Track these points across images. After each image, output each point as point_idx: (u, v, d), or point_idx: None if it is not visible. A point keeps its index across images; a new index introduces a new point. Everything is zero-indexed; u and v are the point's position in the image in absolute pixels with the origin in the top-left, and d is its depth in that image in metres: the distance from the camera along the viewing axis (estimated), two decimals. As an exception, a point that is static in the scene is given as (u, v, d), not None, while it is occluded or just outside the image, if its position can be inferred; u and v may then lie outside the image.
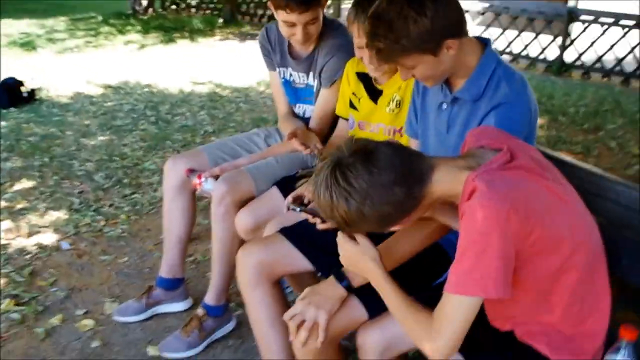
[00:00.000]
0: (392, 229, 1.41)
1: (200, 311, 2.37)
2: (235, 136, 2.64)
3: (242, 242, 2.27)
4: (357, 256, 1.43)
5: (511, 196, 1.18)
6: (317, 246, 1.86)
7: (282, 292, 1.97)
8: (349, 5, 2.09)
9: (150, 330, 2.46)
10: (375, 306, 1.60)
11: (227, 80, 6.78)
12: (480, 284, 1.18)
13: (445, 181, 1.28)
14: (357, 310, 1.60)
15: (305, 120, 2.47)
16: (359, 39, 1.96)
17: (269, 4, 2.19)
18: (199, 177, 2.31)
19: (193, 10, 11.78)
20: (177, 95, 6.13)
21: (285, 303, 1.94)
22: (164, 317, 2.53)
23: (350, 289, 1.58)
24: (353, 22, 1.96)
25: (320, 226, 1.85)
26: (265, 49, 2.47)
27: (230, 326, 2.44)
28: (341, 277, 1.58)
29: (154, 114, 5.41)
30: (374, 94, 2.15)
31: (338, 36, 2.29)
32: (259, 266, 1.85)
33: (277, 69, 2.46)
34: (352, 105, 2.23)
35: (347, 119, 2.28)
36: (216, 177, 2.29)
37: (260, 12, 11.23)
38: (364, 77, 2.18)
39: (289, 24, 2.15)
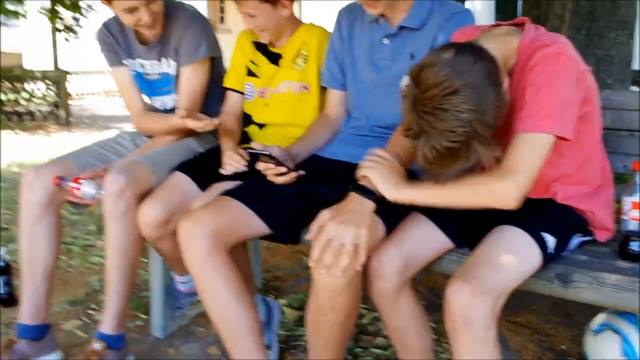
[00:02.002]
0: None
1: (97, 345, 1.88)
2: (98, 141, 2.26)
3: (142, 246, 1.95)
4: (391, 172, 1.42)
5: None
6: (270, 205, 1.69)
7: (244, 257, 1.73)
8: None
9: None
10: (391, 220, 1.53)
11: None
12: (556, 121, 1.26)
13: (497, 49, 1.36)
14: (378, 226, 1.49)
15: (167, 113, 2.23)
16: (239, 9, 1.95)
17: (103, 1, 1.99)
18: (76, 180, 1.91)
19: None
20: None
21: (246, 270, 1.74)
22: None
23: (376, 201, 1.45)
24: None
25: (279, 179, 1.70)
26: (107, 44, 2.20)
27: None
28: (367, 190, 1.45)
29: None
30: (273, 57, 2.09)
31: (185, 11, 2.14)
32: (214, 234, 1.60)
33: (126, 62, 2.21)
34: (251, 74, 2.12)
35: (240, 92, 2.15)
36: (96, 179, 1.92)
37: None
38: (260, 46, 2.12)
39: (131, 10, 1.96)
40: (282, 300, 2.47)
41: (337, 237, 1.37)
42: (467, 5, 11.00)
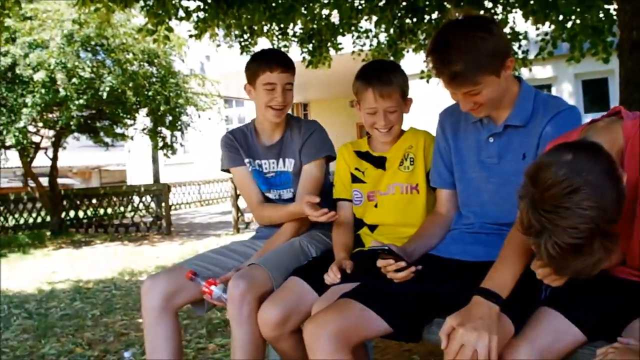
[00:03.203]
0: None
1: None
2: (212, 249, 2.54)
3: (265, 346, 2.12)
4: None
5: None
6: (390, 304, 1.72)
7: (364, 355, 1.83)
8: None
9: None
10: (519, 317, 1.55)
11: (86, 276, 6.36)
12: None
13: (605, 141, 1.39)
14: (506, 325, 1.50)
15: (282, 203, 2.50)
16: (374, 103, 2.10)
17: (247, 87, 2.43)
18: (210, 283, 2.14)
19: (11, 231, 10.99)
20: (38, 294, 5.57)
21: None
22: None
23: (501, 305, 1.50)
24: (366, 88, 2.10)
25: (398, 275, 1.76)
26: (232, 147, 2.53)
27: None
28: (492, 294, 1.50)
29: (21, 311, 4.83)
30: (378, 162, 2.25)
31: (308, 120, 2.52)
32: (337, 335, 1.63)
33: (247, 161, 2.52)
34: (357, 180, 2.28)
35: (349, 200, 2.31)
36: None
37: (86, 221, 10.97)
38: (363, 154, 2.30)
39: (271, 87, 2.34)
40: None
41: (470, 344, 1.39)
42: (553, 91, 10.94)
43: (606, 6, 5.59)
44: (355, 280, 1.91)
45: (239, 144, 2.53)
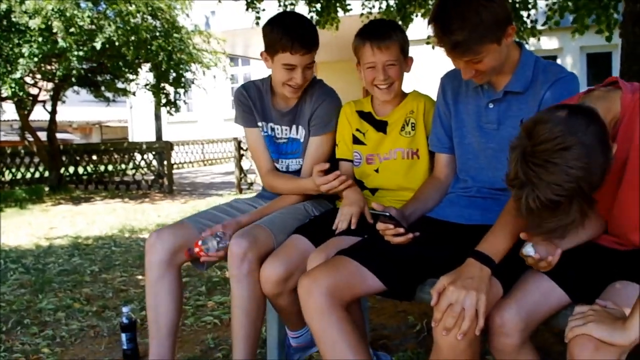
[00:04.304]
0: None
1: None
2: (215, 206, 2.43)
3: (264, 304, 2.07)
4: (606, 319, 1.34)
5: None
6: (385, 264, 1.75)
7: (359, 313, 1.81)
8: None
9: None
10: (508, 280, 1.57)
11: (85, 232, 6.25)
12: None
13: (602, 109, 1.40)
14: (495, 287, 1.54)
15: (291, 174, 2.39)
16: (373, 57, 2.05)
17: (263, 54, 2.21)
18: (196, 244, 2.08)
19: (7, 186, 10.82)
20: (35, 249, 5.45)
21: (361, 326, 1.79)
22: None
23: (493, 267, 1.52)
24: (364, 43, 2.05)
25: (396, 239, 1.77)
26: (245, 105, 2.37)
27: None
28: (485, 257, 1.52)
29: (18, 265, 4.72)
30: (379, 125, 2.20)
31: (322, 86, 2.33)
32: (330, 291, 1.68)
33: (260, 124, 2.38)
34: (357, 142, 2.24)
35: (351, 160, 2.26)
36: (217, 236, 2.08)
37: (85, 177, 10.85)
38: (365, 115, 2.24)
39: (290, 68, 2.14)
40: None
41: (458, 301, 1.44)
42: (558, 62, 10.97)
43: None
44: (355, 235, 1.95)
45: (253, 103, 2.37)
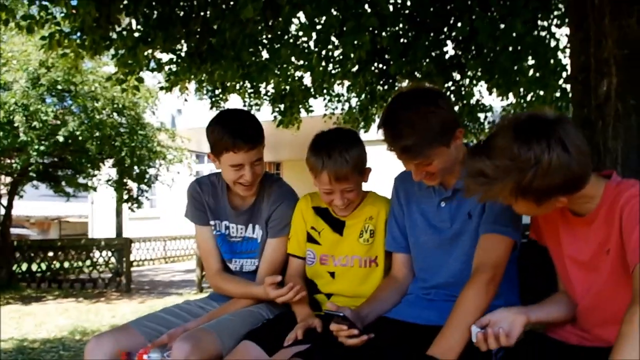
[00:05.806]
0: (544, 207, 1.48)
1: None
2: (163, 308, 2.28)
3: None
4: None
5: None
6: None
7: None
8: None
9: None
10: None
11: (32, 335, 5.90)
12: None
13: (589, 185, 1.48)
14: None
15: (243, 276, 2.29)
16: (329, 185, 1.97)
17: (210, 156, 2.16)
18: (142, 354, 1.93)
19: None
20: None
21: None
22: None
23: None
24: (322, 170, 1.95)
25: (350, 341, 1.70)
26: (198, 202, 2.30)
27: None
28: None
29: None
30: (336, 225, 2.14)
31: (282, 185, 2.29)
32: None
33: (213, 223, 2.30)
34: (312, 240, 2.17)
35: (302, 258, 2.19)
36: (164, 348, 1.94)
37: (39, 275, 10.40)
38: (321, 211, 2.17)
39: (236, 167, 2.09)
40: None
41: None
42: None
43: (562, 85, 5.78)
44: (307, 342, 1.85)
45: (206, 201, 2.30)
